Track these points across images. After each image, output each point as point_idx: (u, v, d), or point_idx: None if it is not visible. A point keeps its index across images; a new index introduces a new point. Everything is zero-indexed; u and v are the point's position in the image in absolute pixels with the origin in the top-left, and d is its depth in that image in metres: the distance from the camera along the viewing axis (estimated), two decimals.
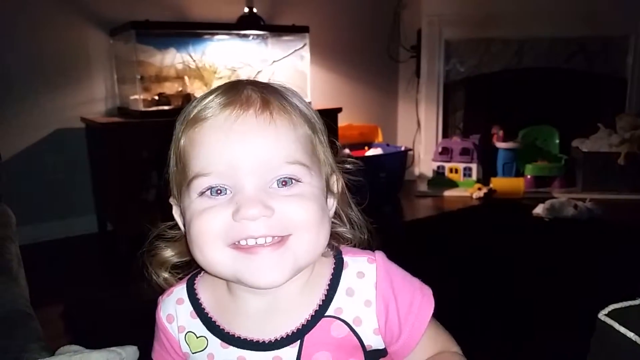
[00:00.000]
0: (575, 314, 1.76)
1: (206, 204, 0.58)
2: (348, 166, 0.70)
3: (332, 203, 0.67)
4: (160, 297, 0.71)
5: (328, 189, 0.65)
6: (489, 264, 2.32)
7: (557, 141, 3.86)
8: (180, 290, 0.69)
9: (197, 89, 3.02)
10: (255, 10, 3.19)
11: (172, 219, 0.70)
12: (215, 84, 3.09)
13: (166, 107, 2.83)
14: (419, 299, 0.64)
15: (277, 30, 3.30)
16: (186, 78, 3.00)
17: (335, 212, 0.69)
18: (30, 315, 0.99)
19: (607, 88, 3.81)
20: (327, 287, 0.63)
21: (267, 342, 0.61)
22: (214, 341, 0.64)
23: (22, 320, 0.96)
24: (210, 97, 0.60)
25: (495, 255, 2.44)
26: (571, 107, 3.75)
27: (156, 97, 2.86)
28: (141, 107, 2.73)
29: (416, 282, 0.66)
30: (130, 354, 0.76)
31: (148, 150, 2.66)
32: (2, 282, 1.05)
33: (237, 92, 0.60)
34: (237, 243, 0.58)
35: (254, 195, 0.57)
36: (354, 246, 0.70)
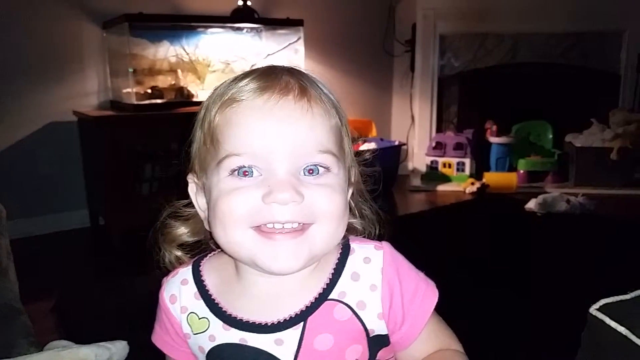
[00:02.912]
0: (567, 307, 1.77)
1: (236, 184, 0.59)
2: (365, 157, 0.72)
3: (349, 194, 0.68)
4: (165, 277, 0.71)
5: (348, 181, 0.66)
6: (482, 259, 2.33)
7: (551, 136, 3.87)
8: (185, 271, 0.70)
9: (190, 83, 3.01)
10: (249, 3, 3.17)
11: (185, 197, 0.70)
12: (209, 77, 3.08)
13: (159, 101, 2.82)
14: (423, 288, 0.65)
15: (271, 23, 3.29)
16: (179, 71, 2.98)
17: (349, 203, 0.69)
18: (19, 310, 0.98)
19: (601, 83, 3.82)
20: (332, 272, 0.64)
21: (269, 324, 0.62)
22: (216, 323, 0.64)
23: (11, 315, 0.95)
24: (247, 80, 0.61)
25: (488, 249, 2.45)
26: (565, 102, 3.75)
27: (149, 91, 2.84)
28: (134, 101, 2.71)
29: (421, 274, 0.67)
30: (120, 349, 0.75)
31: (141, 144, 2.65)
32: None
33: (275, 76, 0.61)
34: (260, 226, 0.58)
35: (287, 180, 0.57)
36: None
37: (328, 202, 0.59)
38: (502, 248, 2.47)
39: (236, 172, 0.59)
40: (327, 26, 3.62)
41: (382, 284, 0.63)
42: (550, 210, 2.93)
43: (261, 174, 0.58)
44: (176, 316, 0.68)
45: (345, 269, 0.64)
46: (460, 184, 3.61)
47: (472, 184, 3.52)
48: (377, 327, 0.63)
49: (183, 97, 2.92)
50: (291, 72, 0.63)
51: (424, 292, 0.65)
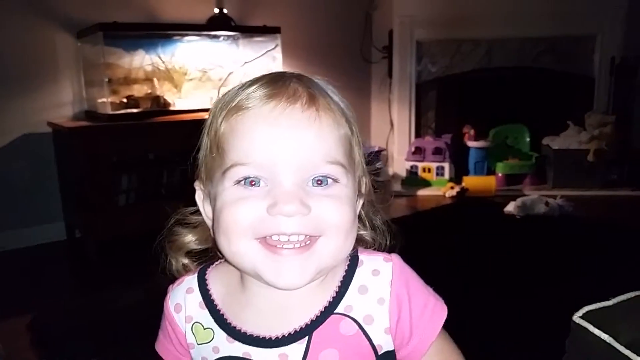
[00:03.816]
0: (550, 310, 1.78)
1: (241, 194, 0.57)
2: (377, 165, 0.71)
3: (359, 205, 0.66)
4: (170, 285, 0.70)
5: (358, 191, 0.65)
6: (463, 263, 2.33)
7: (528, 139, 3.90)
8: (191, 280, 0.68)
9: (167, 91, 2.98)
10: (225, 11, 3.16)
11: (192, 204, 0.69)
12: (186, 86, 3.06)
13: (135, 110, 2.78)
14: (432, 303, 0.63)
15: (248, 31, 3.28)
16: (155, 80, 2.95)
17: (358, 214, 0.68)
18: None
19: (575, 86, 3.87)
20: (339, 284, 0.62)
21: (273, 338, 0.60)
22: (220, 334, 0.63)
23: None
24: (254, 87, 0.59)
25: (469, 253, 2.45)
26: (541, 106, 3.80)
27: (125, 100, 2.80)
28: (109, 110, 2.67)
29: (430, 289, 0.66)
30: None
31: (117, 154, 2.61)
32: None
33: (283, 84, 0.59)
34: (265, 237, 0.57)
35: (293, 192, 0.56)
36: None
37: (336, 214, 0.58)
38: (483, 251, 2.48)
39: (242, 182, 0.57)
40: (305, 33, 3.62)
41: (391, 298, 0.61)
42: (529, 212, 2.96)
43: (267, 185, 0.57)
44: (181, 325, 0.67)
45: (353, 281, 0.63)
46: (440, 189, 3.63)
47: (452, 188, 3.54)
48: (385, 343, 0.62)
49: (159, 106, 2.88)
50: (300, 78, 0.61)
51: (433, 308, 0.63)
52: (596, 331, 0.58)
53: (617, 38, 3.64)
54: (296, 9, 3.62)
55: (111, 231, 2.53)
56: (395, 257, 0.65)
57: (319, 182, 0.58)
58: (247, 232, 0.57)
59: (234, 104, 0.59)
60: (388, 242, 0.71)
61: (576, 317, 0.60)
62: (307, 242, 0.57)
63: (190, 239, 0.70)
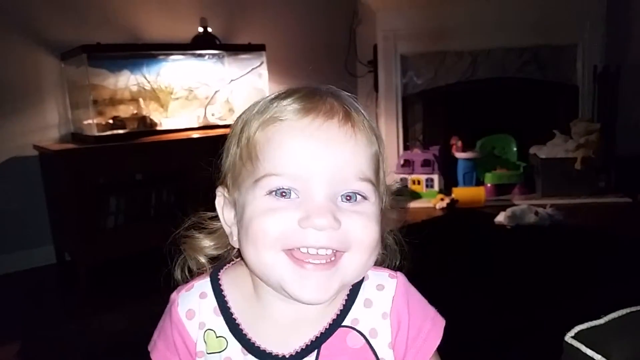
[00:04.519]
0: (543, 322, 1.78)
1: (272, 205, 0.57)
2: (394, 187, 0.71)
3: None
4: (175, 293, 0.67)
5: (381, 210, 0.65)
6: (455, 274, 2.33)
7: (515, 149, 3.93)
8: (203, 284, 0.66)
9: (153, 111, 2.97)
10: (210, 29, 3.16)
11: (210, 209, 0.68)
12: (172, 105, 3.05)
13: (121, 131, 2.77)
14: (428, 327, 0.64)
15: (233, 49, 3.28)
16: (141, 100, 2.94)
17: None
18: None
19: (560, 95, 3.90)
20: (346, 298, 0.63)
21: (287, 356, 0.60)
22: (234, 345, 0.62)
23: None
24: (290, 100, 0.59)
25: (461, 264, 2.45)
26: (527, 115, 3.82)
27: (111, 121, 2.79)
28: (95, 132, 2.66)
29: (431, 311, 0.66)
30: None
31: (104, 176, 2.59)
32: None
33: (320, 98, 0.59)
34: (292, 250, 0.56)
35: (325, 205, 0.56)
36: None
37: (364, 231, 0.58)
38: (475, 262, 2.48)
39: (274, 192, 0.57)
40: (290, 50, 3.63)
41: (391, 313, 0.62)
42: (519, 222, 2.97)
43: (299, 197, 0.57)
44: (192, 333, 0.64)
45: (359, 295, 0.63)
46: (430, 200, 3.63)
47: (442, 199, 3.54)
48: (388, 358, 0.62)
49: (146, 126, 2.87)
50: (335, 95, 0.61)
51: (428, 331, 0.64)
52: (589, 352, 0.58)
53: (598, 47, 3.69)
54: (281, 26, 3.63)
55: (100, 254, 2.50)
56: (401, 275, 0.66)
57: (349, 198, 0.58)
58: (275, 244, 0.56)
59: (269, 115, 0.59)
60: (397, 263, 0.71)
61: (568, 338, 0.60)
62: (332, 259, 0.57)
63: (207, 244, 0.69)
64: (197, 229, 0.69)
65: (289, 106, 0.58)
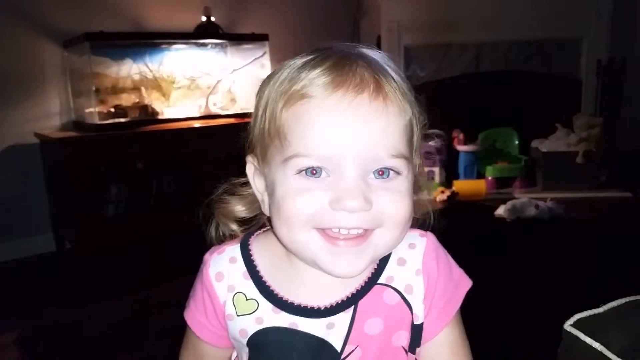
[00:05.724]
0: (542, 312, 1.78)
1: (303, 185, 0.57)
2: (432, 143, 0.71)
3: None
4: (208, 254, 0.68)
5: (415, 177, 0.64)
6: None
7: (517, 142, 3.92)
8: (233, 249, 0.67)
9: (155, 100, 2.96)
10: (213, 18, 3.15)
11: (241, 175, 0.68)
12: (174, 94, 3.04)
13: (123, 120, 2.76)
14: (451, 289, 0.66)
15: (236, 38, 3.27)
16: (143, 89, 2.93)
17: None
18: None
19: (563, 89, 3.89)
20: (380, 258, 0.63)
21: (322, 308, 0.62)
22: (266, 305, 0.63)
23: None
24: (318, 71, 0.56)
25: (461, 257, 2.45)
26: (529, 109, 3.81)
27: (112, 110, 2.78)
28: (97, 120, 2.66)
29: (456, 272, 0.68)
30: None
31: (105, 165, 2.59)
32: None
33: (349, 69, 0.56)
34: (325, 229, 0.57)
35: (356, 187, 0.55)
36: None
37: (396, 209, 0.58)
38: (475, 255, 2.47)
39: (304, 171, 0.56)
40: (293, 40, 3.61)
41: (423, 269, 0.64)
42: (520, 215, 2.97)
43: (329, 176, 0.56)
44: (221, 295, 0.65)
45: (392, 254, 0.64)
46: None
47: (443, 192, 3.53)
48: (420, 313, 0.64)
49: (148, 115, 2.87)
50: (366, 61, 0.58)
51: (451, 295, 0.65)
52: (587, 339, 0.58)
53: (602, 41, 3.67)
54: (284, 16, 3.62)
55: (101, 242, 2.51)
56: (431, 235, 0.68)
57: (381, 174, 0.57)
58: (307, 223, 0.57)
59: (297, 89, 0.57)
60: (431, 221, 0.71)
61: (567, 326, 0.60)
62: (363, 233, 0.57)
63: (240, 208, 0.70)
64: (230, 194, 0.70)
65: (318, 79, 0.56)
